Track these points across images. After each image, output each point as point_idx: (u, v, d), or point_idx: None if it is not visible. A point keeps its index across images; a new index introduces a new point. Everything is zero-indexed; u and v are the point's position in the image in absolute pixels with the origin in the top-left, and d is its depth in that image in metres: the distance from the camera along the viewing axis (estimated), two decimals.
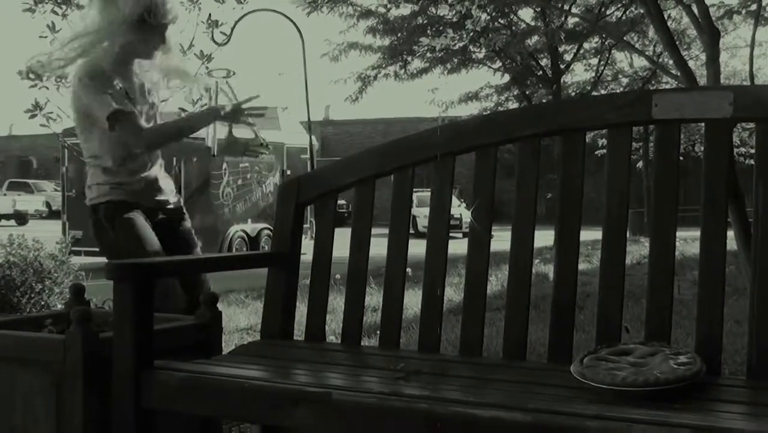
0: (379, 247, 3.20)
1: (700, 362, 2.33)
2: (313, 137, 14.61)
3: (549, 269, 11.84)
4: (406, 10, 19.88)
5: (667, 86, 17.86)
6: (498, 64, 21.10)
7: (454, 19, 17.50)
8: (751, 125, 2.79)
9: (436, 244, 3.00)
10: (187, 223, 4.00)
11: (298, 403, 2.32)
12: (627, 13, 19.14)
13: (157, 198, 3.87)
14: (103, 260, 3.48)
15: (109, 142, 3.72)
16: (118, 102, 3.64)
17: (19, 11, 5.95)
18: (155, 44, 3.77)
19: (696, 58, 19.29)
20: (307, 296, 3.22)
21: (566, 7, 18.01)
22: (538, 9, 18.80)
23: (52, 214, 35.70)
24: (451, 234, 3.06)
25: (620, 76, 23.35)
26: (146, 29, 3.69)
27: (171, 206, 3.94)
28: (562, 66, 21.06)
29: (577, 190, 2.78)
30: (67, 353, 2.79)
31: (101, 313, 3.35)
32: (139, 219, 3.74)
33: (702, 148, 2.68)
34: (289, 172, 19.27)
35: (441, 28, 18.45)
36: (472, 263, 2.92)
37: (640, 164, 27.64)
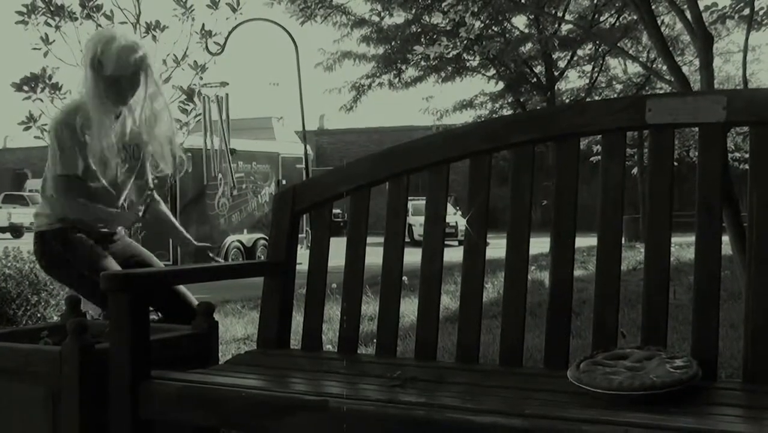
0: (375, 256, 3.20)
1: (696, 365, 2.33)
2: (308, 147, 14.63)
3: (545, 276, 11.84)
4: (399, 18, 19.97)
5: (661, 92, 17.87)
6: (492, 71, 21.17)
7: (448, 27, 17.56)
8: (746, 130, 2.79)
9: (432, 251, 3.00)
10: (125, 238, 4.05)
11: (296, 411, 2.32)
12: (620, 19, 19.23)
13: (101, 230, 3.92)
14: None
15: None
16: (67, 167, 3.70)
17: (11, 23, 5.94)
18: (123, 96, 3.75)
19: (690, 63, 19.36)
20: (303, 305, 3.22)
21: (560, 14, 18.07)
22: (532, 16, 18.85)
23: None
24: (446, 242, 3.06)
25: (614, 82, 23.42)
26: (110, 81, 3.69)
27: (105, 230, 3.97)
28: (556, 73, 21.14)
29: (572, 196, 2.78)
30: (63, 365, 2.79)
31: (97, 324, 3.35)
32: (88, 240, 3.80)
33: (696, 154, 2.69)
34: (284, 181, 19.28)
35: (435, 36, 18.50)
36: (467, 271, 2.92)
37: (635, 170, 27.68)
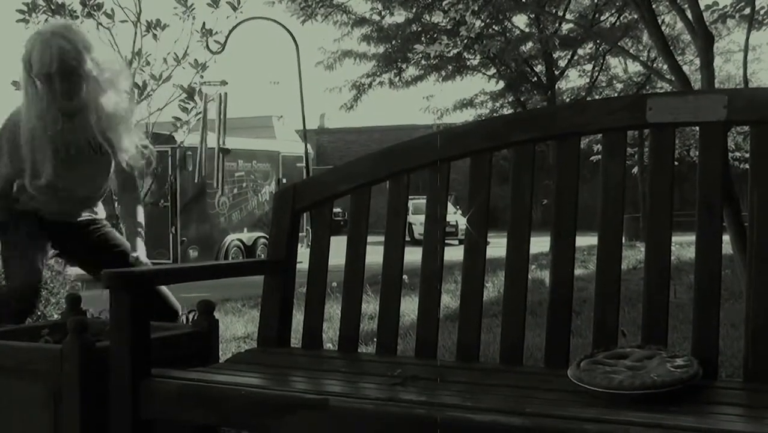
0: (375, 254, 3.20)
1: (697, 364, 2.33)
2: (308, 145, 14.62)
3: (545, 275, 11.83)
4: (400, 17, 19.95)
5: (662, 91, 17.86)
6: (492, 70, 21.17)
7: (448, 26, 17.56)
8: (747, 129, 2.79)
9: (432, 250, 2.99)
10: (104, 228, 3.99)
11: (296, 410, 2.32)
12: (621, 18, 19.21)
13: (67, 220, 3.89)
14: None
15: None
16: None
17: (12, 21, 5.93)
18: (58, 95, 3.58)
19: (690, 62, 19.36)
20: (304, 303, 3.22)
21: (560, 13, 18.07)
22: (532, 15, 18.85)
23: None
24: (447, 241, 3.06)
25: (615, 81, 23.42)
26: (45, 81, 3.55)
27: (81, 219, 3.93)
28: (556, 72, 21.13)
29: (573, 195, 2.78)
30: (64, 363, 2.79)
31: (97, 322, 3.35)
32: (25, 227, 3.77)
33: (697, 154, 2.69)
34: (284, 180, 19.28)
35: (435, 35, 18.52)
36: (468, 270, 2.91)
37: (635, 170, 27.67)
